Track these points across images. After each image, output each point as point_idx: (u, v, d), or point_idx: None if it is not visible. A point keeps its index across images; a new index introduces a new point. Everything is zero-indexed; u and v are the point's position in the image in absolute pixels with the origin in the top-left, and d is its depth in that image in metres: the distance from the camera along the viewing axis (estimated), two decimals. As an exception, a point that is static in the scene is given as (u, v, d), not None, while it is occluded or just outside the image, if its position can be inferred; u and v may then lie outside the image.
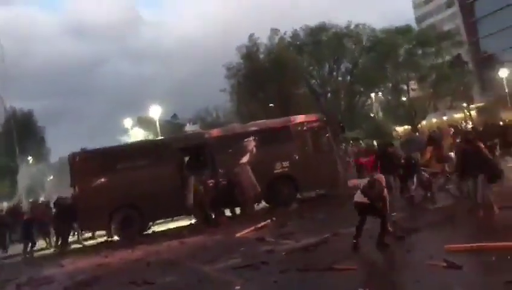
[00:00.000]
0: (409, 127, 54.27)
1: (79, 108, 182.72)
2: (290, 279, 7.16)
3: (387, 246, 8.05)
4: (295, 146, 16.34)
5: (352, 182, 16.40)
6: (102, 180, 15.35)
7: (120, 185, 14.95)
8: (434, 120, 63.46)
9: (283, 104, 36.05)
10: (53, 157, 58.88)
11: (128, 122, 49.48)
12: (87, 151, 16.92)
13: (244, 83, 38.90)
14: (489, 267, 6.26)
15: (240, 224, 13.34)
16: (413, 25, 64.48)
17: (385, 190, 8.38)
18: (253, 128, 16.83)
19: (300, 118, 17.34)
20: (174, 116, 74.64)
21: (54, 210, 17.52)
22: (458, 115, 62.94)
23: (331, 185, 16.43)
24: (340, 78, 52.47)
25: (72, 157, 16.02)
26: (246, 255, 9.19)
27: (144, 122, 50.13)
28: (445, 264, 6.30)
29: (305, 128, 16.68)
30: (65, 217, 15.78)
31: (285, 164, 16.11)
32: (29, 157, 47.26)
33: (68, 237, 16.45)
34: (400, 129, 55.42)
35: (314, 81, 51.30)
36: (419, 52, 51.83)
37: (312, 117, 17.54)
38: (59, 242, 16.19)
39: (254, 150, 15.90)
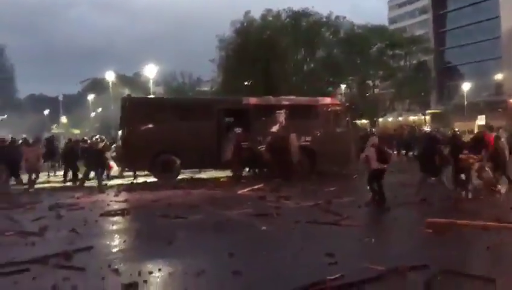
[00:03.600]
0: (367, 121, 57.22)
1: (42, 50, 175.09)
2: (304, 227, 8.95)
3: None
4: (319, 124, 18.18)
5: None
6: (150, 126, 16.85)
7: (165, 133, 16.54)
8: (390, 119, 67.03)
9: (264, 82, 37.68)
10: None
11: (110, 75, 49.59)
12: (138, 98, 18.12)
13: (234, 56, 40.27)
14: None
15: (235, 184, 15.20)
16: (386, 24, 67.43)
17: None
18: (286, 103, 18.57)
19: (327, 100, 19.55)
20: (137, 74, 74.54)
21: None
22: (413, 118, 66.72)
23: (343, 163, 18.18)
24: (312, 65, 54.34)
25: (124, 102, 17.48)
26: (256, 208, 10.75)
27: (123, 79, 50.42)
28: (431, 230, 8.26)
29: (329, 109, 18.61)
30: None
31: (309, 138, 17.92)
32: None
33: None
34: (357, 122, 58.11)
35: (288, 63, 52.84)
36: (390, 53, 54.51)
37: (337, 101, 20.45)
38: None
39: (284, 121, 17.65)
